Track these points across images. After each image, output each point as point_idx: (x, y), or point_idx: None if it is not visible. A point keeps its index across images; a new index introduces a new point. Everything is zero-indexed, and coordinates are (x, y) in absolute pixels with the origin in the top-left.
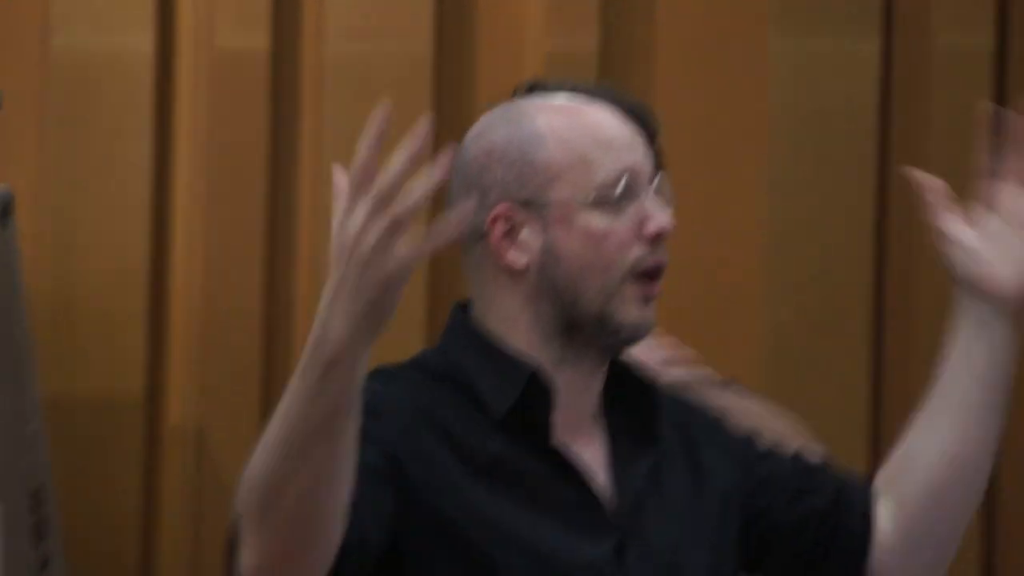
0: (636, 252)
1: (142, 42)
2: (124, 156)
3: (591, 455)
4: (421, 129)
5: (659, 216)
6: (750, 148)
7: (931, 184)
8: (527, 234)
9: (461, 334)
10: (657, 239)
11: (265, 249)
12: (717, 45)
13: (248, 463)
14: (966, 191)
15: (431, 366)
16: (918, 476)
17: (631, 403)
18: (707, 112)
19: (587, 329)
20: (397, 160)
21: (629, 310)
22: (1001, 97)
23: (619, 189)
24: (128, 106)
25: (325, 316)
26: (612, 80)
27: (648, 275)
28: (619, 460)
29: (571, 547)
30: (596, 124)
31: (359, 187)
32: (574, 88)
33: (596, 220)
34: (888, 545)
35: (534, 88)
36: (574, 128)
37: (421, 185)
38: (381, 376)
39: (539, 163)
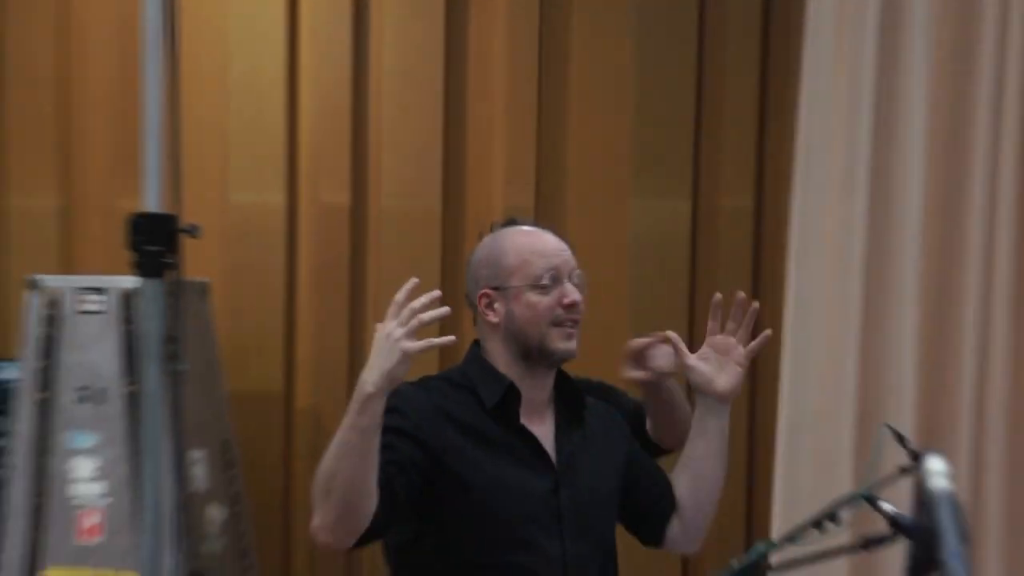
0: (557, 312)
1: (279, 198)
2: (267, 273)
3: (543, 430)
4: (434, 295)
5: (572, 294)
6: (618, 265)
7: (677, 342)
8: (498, 305)
9: (472, 359)
10: (570, 307)
11: (349, 334)
12: (599, 201)
13: (319, 467)
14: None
15: (454, 378)
16: (685, 494)
17: (569, 398)
18: (595, 241)
19: (533, 355)
20: (415, 303)
21: (557, 344)
22: (757, 238)
23: (546, 280)
24: (270, 245)
25: (366, 374)
26: (543, 220)
27: (563, 325)
28: (560, 432)
29: (527, 483)
30: (538, 241)
31: (395, 313)
32: (528, 223)
33: (533, 297)
34: (674, 525)
35: (509, 222)
36: (524, 244)
37: (424, 316)
38: (422, 384)
39: (503, 265)
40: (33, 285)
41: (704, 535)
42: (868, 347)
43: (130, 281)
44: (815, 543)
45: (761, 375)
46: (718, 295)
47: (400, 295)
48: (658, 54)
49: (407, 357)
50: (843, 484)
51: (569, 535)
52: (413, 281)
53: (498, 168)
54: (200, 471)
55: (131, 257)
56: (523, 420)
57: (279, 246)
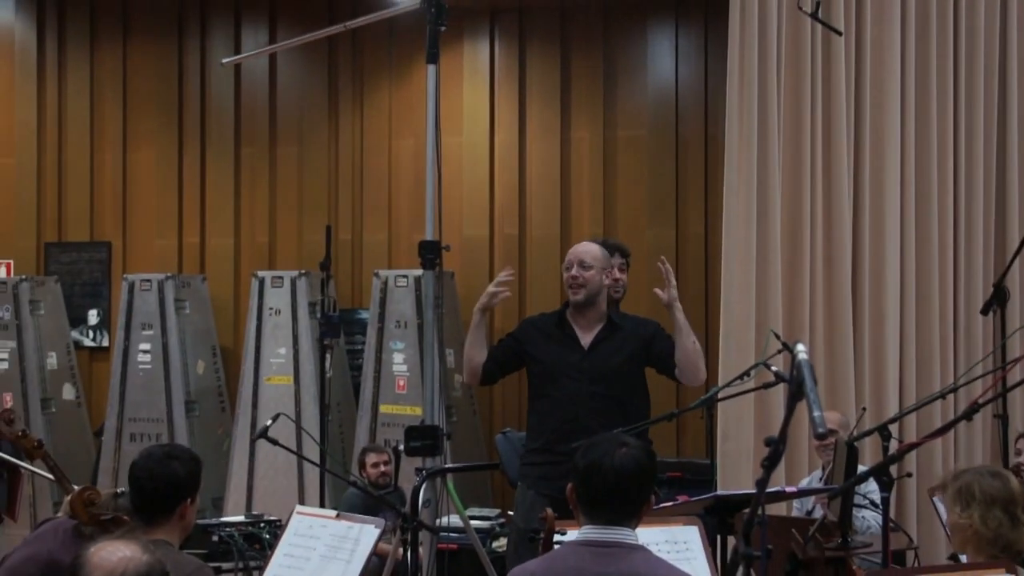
0: (569, 281)
1: (484, 232)
2: (478, 266)
3: (588, 335)
4: (509, 272)
5: (570, 271)
6: (643, 263)
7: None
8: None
9: (566, 305)
10: (570, 277)
11: (517, 294)
12: (633, 230)
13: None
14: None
15: (556, 312)
16: (677, 355)
17: (610, 319)
18: (633, 253)
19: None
20: (500, 276)
21: (570, 297)
22: (707, 248)
23: (566, 265)
24: (480, 253)
25: (477, 304)
26: (612, 237)
27: (571, 287)
28: (599, 334)
29: (567, 357)
30: (575, 247)
31: (494, 283)
32: (598, 240)
33: (564, 275)
34: (678, 371)
35: (603, 242)
36: (571, 250)
37: (501, 279)
38: (537, 315)
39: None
40: (376, 275)
41: (699, 376)
42: (760, 296)
43: (418, 272)
44: (741, 386)
45: (712, 316)
46: (662, 257)
47: (500, 276)
48: (658, 157)
49: (490, 297)
50: (750, 359)
51: (587, 383)
52: (508, 269)
53: (585, 215)
54: (450, 357)
55: (419, 261)
56: (577, 329)
57: (484, 252)
